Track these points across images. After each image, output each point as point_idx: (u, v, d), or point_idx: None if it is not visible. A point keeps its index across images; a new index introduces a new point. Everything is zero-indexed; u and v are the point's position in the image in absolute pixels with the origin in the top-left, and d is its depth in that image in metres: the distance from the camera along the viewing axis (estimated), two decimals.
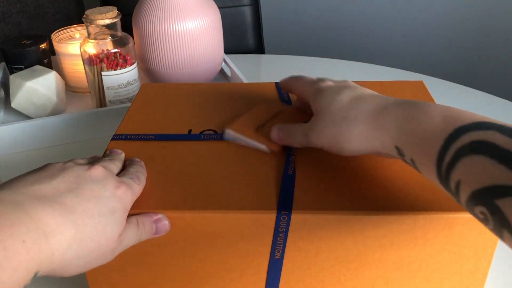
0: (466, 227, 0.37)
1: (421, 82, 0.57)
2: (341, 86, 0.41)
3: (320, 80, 0.44)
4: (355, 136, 0.37)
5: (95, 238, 0.32)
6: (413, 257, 0.38)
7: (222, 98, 0.55)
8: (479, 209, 0.28)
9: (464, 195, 0.29)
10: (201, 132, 0.48)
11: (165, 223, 0.37)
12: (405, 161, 0.36)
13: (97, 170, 0.35)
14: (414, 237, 0.37)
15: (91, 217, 0.32)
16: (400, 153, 0.35)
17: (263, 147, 0.44)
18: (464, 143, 0.29)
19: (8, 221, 0.28)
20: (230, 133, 0.46)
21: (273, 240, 0.38)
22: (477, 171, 0.27)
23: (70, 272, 0.32)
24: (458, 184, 0.29)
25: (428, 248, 0.38)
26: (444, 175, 0.31)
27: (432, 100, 0.53)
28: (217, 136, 0.47)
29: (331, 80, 0.44)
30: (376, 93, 0.40)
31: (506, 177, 0.25)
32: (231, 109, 0.52)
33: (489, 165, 0.27)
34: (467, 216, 0.36)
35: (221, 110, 0.52)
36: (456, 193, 0.30)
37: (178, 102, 0.54)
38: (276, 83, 0.57)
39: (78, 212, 0.32)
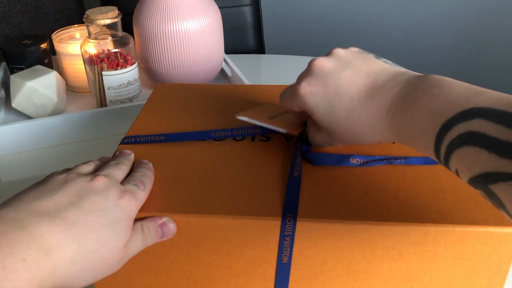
0: (479, 241, 0.35)
1: None
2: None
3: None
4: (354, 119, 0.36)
5: (98, 251, 0.32)
6: (423, 270, 0.37)
7: (237, 100, 0.54)
8: (478, 191, 0.29)
9: (464, 180, 0.30)
10: (213, 131, 0.47)
11: (170, 226, 0.37)
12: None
13: (99, 181, 0.34)
14: (424, 250, 0.36)
15: (94, 230, 0.32)
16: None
17: (279, 129, 0.44)
18: (453, 137, 0.30)
19: (8, 240, 0.28)
20: (242, 118, 0.46)
21: (279, 245, 0.37)
22: (470, 161, 0.29)
23: (76, 286, 0.31)
24: (457, 172, 0.31)
25: (439, 262, 0.36)
26: (445, 165, 0.32)
27: None
28: (227, 133, 0.46)
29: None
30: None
31: (496, 164, 0.27)
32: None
33: (479, 154, 0.28)
34: (480, 230, 0.35)
35: (236, 113, 0.52)
36: (459, 176, 0.32)
37: (192, 104, 0.54)
38: None
39: (80, 226, 0.31)
